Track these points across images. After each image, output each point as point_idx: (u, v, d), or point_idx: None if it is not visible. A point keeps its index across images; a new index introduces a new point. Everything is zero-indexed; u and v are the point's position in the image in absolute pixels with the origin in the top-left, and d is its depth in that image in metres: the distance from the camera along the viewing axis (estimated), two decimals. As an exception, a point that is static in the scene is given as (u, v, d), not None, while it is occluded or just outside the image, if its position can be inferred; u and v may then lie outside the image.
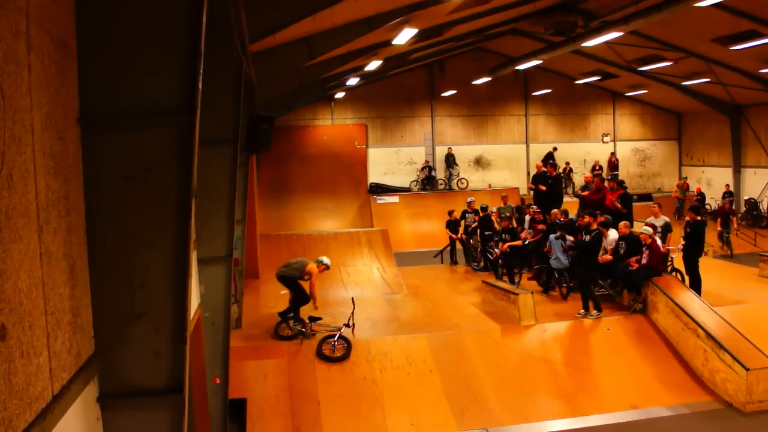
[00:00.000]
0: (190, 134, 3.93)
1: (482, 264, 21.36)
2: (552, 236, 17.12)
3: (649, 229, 15.39)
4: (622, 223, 15.78)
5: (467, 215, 22.22)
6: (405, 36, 15.42)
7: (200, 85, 3.94)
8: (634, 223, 17.37)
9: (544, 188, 18.47)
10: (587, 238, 15.65)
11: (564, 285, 16.88)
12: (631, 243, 15.57)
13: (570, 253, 16.13)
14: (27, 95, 2.99)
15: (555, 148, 33.55)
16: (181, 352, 4.26)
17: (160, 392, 4.32)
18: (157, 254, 4.09)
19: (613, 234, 15.79)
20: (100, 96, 3.85)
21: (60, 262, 3.50)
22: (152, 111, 3.92)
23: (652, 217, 17.15)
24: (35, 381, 3.10)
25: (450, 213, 22.88)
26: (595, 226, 15.60)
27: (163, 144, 3.94)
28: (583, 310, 15.07)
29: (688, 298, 14.43)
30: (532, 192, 21.88)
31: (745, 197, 30.28)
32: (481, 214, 21.52)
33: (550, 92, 34.05)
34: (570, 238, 16.49)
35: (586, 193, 19.23)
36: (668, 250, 16.49)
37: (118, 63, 3.85)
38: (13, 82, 2.81)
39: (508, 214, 21.26)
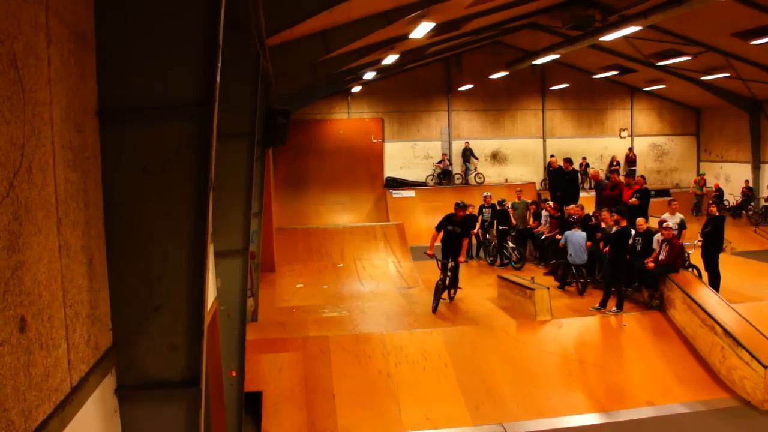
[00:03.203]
0: (208, 127, 3.93)
1: (498, 261, 21.23)
2: (568, 232, 17.06)
3: (672, 224, 15.35)
4: (639, 219, 15.71)
5: (484, 210, 22.14)
6: (422, 30, 15.37)
7: (218, 78, 3.94)
8: (649, 219, 17.26)
9: (636, 202, 17.75)
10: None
11: (581, 280, 16.82)
12: (648, 239, 15.51)
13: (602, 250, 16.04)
14: (46, 88, 2.99)
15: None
16: (198, 345, 4.27)
17: (177, 385, 4.33)
18: (174, 247, 4.10)
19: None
20: (118, 88, 3.86)
21: (78, 255, 3.51)
22: (170, 104, 3.92)
23: (667, 214, 17.05)
24: (54, 373, 3.11)
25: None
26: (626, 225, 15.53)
27: (181, 137, 3.94)
28: (598, 305, 15.00)
29: (705, 294, 14.35)
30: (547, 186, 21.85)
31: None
32: (498, 209, 21.45)
33: (567, 87, 33.86)
34: (598, 234, 16.48)
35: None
36: (683, 246, 16.40)
37: (136, 55, 3.85)
38: (33, 75, 2.82)
39: (519, 210, 21.38)
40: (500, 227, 21.10)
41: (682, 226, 16.74)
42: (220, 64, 3.93)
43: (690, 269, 16.05)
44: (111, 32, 3.76)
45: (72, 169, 3.37)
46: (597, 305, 15.07)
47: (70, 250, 3.37)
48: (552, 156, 28.13)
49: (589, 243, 16.68)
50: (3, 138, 2.53)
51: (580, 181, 24.90)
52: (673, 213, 17.05)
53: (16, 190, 2.64)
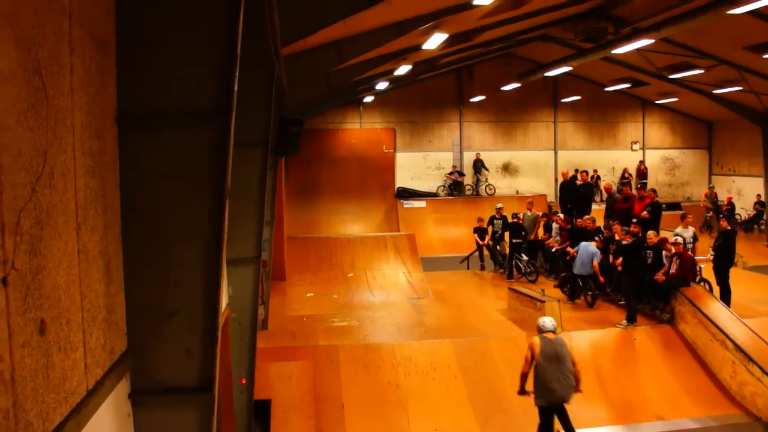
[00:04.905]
0: (226, 135, 3.98)
1: (516, 274, 21.13)
2: (585, 243, 17.05)
3: (680, 239, 15.30)
4: (650, 233, 15.68)
5: (495, 221, 22.12)
6: (435, 41, 15.43)
7: (236, 87, 3.99)
8: (661, 232, 17.23)
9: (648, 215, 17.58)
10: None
11: (589, 293, 16.80)
12: (659, 253, 15.48)
13: (616, 263, 16.02)
14: (69, 95, 3.04)
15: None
16: (211, 351, 4.30)
17: (190, 390, 4.36)
18: (190, 253, 4.14)
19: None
20: (137, 96, 3.91)
21: (96, 260, 3.55)
22: (188, 112, 3.97)
23: (680, 228, 17.02)
24: (71, 376, 3.15)
25: (479, 219, 22.85)
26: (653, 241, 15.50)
27: (198, 144, 3.99)
28: (626, 321, 14.87)
29: (716, 308, 14.29)
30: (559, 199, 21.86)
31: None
32: (510, 221, 21.40)
33: (579, 99, 33.84)
34: (612, 247, 16.49)
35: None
36: (694, 259, 16.37)
37: (156, 63, 3.91)
38: (56, 82, 2.87)
39: (527, 222, 21.39)
40: (513, 240, 21.03)
41: (693, 239, 16.71)
42: (238, 74, 3.97)
43: (701, 283, 16.00)
44: (131, 40, 3.81)
45: (92, 174, 3.42)
46: (624, 321, 14.91)
47: (89, 255, 3.41)
48: (578, 171, 28.09)
49: (601, 255, 16.69)
50: (27, 144, 2.57)
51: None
52: (686, 227, 17.02)
53: (38, 195, 2.69)
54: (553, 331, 10.17)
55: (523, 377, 10.09)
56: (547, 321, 10.35)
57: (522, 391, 10.16)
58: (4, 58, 2.35)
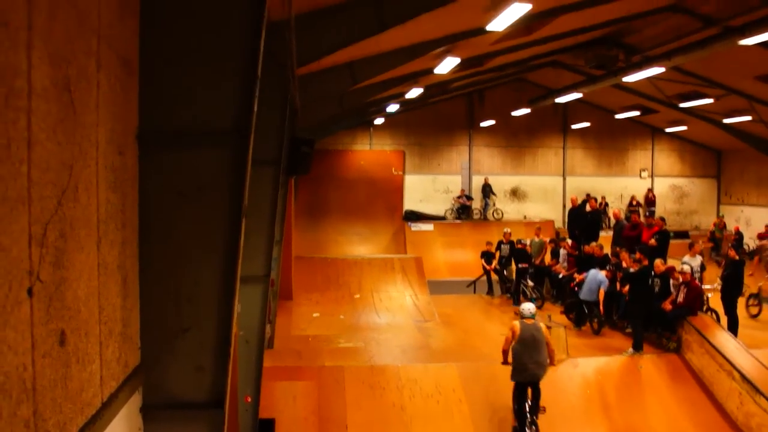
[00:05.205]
0: (244, 155, 4.04)
1: (513, 299, 21.11)
2: (595, 270, 17.04)
3: (688, 267, 15.29)
4: (657, 261, 15.68)
5: (502, 246, 22.11)
6: (447, 65, 15.55)
7: (255, 108, 4.06)
8: (668, 260, 17.24)
9: (655, 243, 17.73)
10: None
11: (595, 319, 16.78)
12: (666, 281, 15.47)
13: (623, 291, 16.02)
14: (95, 111, 3.11)
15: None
16: (223, 367, 4.34)
17: (201, 406, 4.40)
18: (205, 270, 4.19)
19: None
20: (158, 114, 3.98)
21: (114, 274, 3.61)
22: (208, 131, 4.04)
23: (687, 256, 17.02)
24: (88, 387, 3.19)
25: (488, 243, 22.83)
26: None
27: (217, 163, 4.05)
28: (632, 349, 14.84)
29: (723, 338, 14.23)
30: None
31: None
32: (517, 246, 21.40)
33: (589, 125, 33.91)
34: (619, 274, 16.51)
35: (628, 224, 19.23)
36: (701, 288, 16.35)
37: (177, 83, 3.98)
38: (83, 98, 2.94)
39: (534, 248, 21.42)
40: (519, 265, 21.02)
41: (701, 268, 16.70)
42: (257, 95, 4.05)
43: (708, 312, 15.96)
44: (154, 59, 3.89)
45: (113, 190, 3.48)
46: (630, 349, 14.88)
47: (108, 269, 3.47)
48: (588, 196, 28.10)
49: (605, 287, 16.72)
50: (55, 159, 2.64)
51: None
52: (693, 255, 17.02)
53: (63, 209, 2.75)
54: (532, 317, 11.74)
55: (504, 353, 11.87)
56: (527, 308, 11.94)
57: (505, 362, 11.87)
58: (39, 74, 2.42)
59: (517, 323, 11.75)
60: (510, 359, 11.71)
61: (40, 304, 2.55)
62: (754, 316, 17.94)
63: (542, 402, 11.86)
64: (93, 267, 3.21)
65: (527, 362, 11.44)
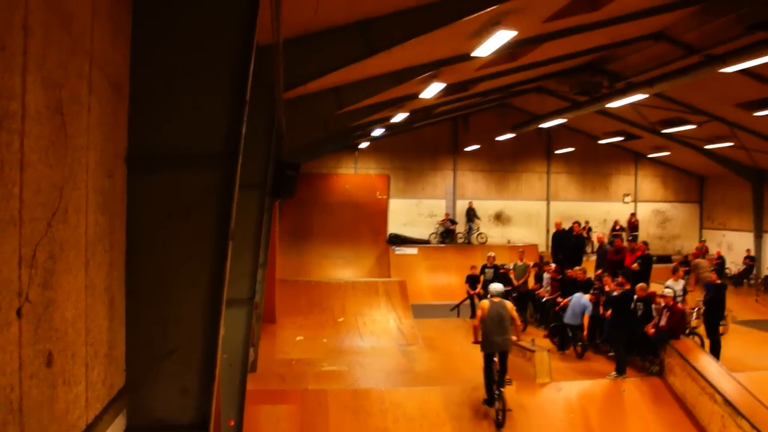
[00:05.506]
0: (232, 178, 4.07)
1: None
2: (579, 294, 17.13)
3: (671, 291, 15.41)
4: (638, 285, 15.79)
5: (486, 270, 22.18)
6: (433, 90, 15.70)
7: (243, 132, 4.10)
8: (651, 285, 17.36)
9: (638, 268, 18.01)
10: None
11: (579, 343, 16.85)
12: (648, 305, 15.57)
13: (606, 314, 16.09)
14: (85, 134, 3.14)
15: None
16: (208, 389, 4.34)
17: (185, 428, 4.38)
18: (192, 293, 4.20)
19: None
20: (147, 137, 4.01)
21: (101, 295, 3.62)
22: (197, 154, 4.07)
23: (671, 280, 17.15)
24: (73, 409, 3.19)
25: (472, 267, 22.89)
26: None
27: (205, 186, 4.08)
28: (615, 373, 14.88)
29: (706, 362, 14.33)
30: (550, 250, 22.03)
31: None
32: (501, 271, 21.50)
33: (572, 150, 34.22)
34: (602, 298, 16.60)
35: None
36: (684, 312, 16.47)
37: (166, 107, 4.02)
38: (75, 121, 2.97)
39: (518, 272, 21.50)
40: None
41: (683, 292, 16.84)
42: (245, 118, 4.09)
43: (691, 336, 16.07)
44: (144, 83, 3.93)
45: (101, 212, 3.50)
46: (613, 372, 14.92)
47: (95, 290, 3.48)
48: (577, 224, 28.26)
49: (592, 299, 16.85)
50: (46, 181, 2.66)
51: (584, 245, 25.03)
52: (676, 279, 17.17)
53: (53, 230, 2.77)
54: (499, 296, 13.29)
55: (475, 329, 13.29)
56: (494, 287, 13.52)
57: (476, 341, 13.24)
58: (32, 97, 2.45)
59: (486, 302, 13.34)
60: (480, 337, 13.11)
61: (28, 325, 2.56)
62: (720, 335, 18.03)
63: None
64: (81, 288, 3.22)
65: (494, 335, 12.87)
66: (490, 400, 13.15)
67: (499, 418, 12.87)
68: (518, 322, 13.68)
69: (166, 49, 3.97)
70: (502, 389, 12.91)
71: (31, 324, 2.60)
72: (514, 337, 13.28)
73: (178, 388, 4.35)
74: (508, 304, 13.46)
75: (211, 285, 4.22)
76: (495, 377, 13.04)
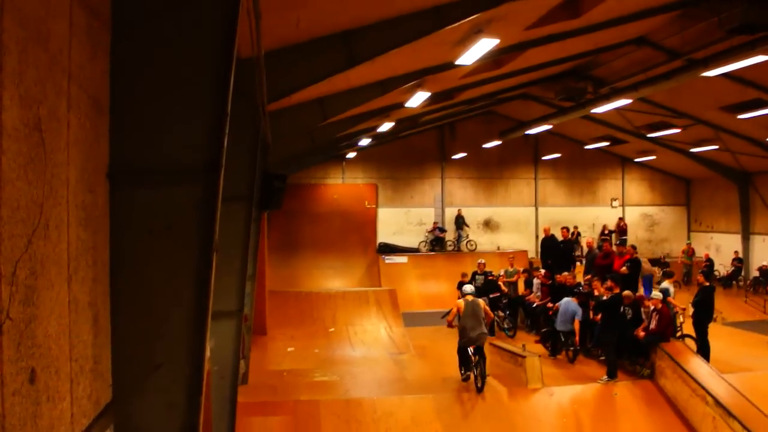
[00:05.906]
0: (214, 192, 4.08)
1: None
2: (567, 299, 17.17)
3: (660, 295, 15.47)
4: (626, 292, 15.84)
5: (477, 277, 22.21)
6: (418, 99, 15.75)
7: (225, 145, 4.11)
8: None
9: (626, 271, 18.11)
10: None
11: (570, 348, 16.88)
12: (637, 308, 15.64)
13: (596, 319, 16.13)
14: (65, 150, 3.15)
15: None
16: (196, 404, 4.33)
17: (172, 443, 4.38)
18: (177, 307, 4.20)
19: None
20: (128, 153, 4.01)
21: (85, 311, 3.61)
22: (179, 169, 4.08)
23: (665, 282, 17.27)
24: (58, 425, 3.18)
25: (463, 275, 22.90)
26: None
27: (187, 201, 4.08)
28: (606, 376, 14.91)
29: (696, 364, 14.39)
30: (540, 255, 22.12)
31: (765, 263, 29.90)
32: (489, 278, 21.57)
33: (559, 156, 34.34)
34: (591, 303, 16.65)
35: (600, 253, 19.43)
36: (675, 313, 16.55)
37: (147, 122, 4.02)
38: (54, 138, 2.97)
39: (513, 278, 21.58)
40: (490, 296, 21.12)
41: (666, 293, 16.92)
42: (227, 132, 4.10)
43: (681, 338, 16.14)
44: (124, 99, 3.93)
45: (83, 227, 3.50)
46: (605, 376, 14.95)
47: (78, 306, 3.48)
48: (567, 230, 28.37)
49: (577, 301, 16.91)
50: (26, 197, 2.67)
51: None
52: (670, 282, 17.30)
53: (33, 247, 2.77)
54: (472, 294, 15.06)
55: (449, 324, 15.28)
56: (466, 288, 15.44)
57: (450, 325, 15.31)
58: (10, 115, 2.46)
59: (461, 301, 14.84)
60: (456, 328, 14.80)
61: (10, 342, 2.56)
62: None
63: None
64: (64, 304, 3.22)
65: (469, 330, 14.35)
66: (466, 369, 14.60)
67: (478, 385, 14.09)
68: (491, 315, 15.87)
69: (145, 64, 3.98)
70: (483, 384, 14.06)
71: (13, 341, 2.60)
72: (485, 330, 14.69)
73: (165, 402, 4.34)
74: (481, 301, 15.00)
75: (196, 299, 4.21)
76: (472, 363, 14.36)
